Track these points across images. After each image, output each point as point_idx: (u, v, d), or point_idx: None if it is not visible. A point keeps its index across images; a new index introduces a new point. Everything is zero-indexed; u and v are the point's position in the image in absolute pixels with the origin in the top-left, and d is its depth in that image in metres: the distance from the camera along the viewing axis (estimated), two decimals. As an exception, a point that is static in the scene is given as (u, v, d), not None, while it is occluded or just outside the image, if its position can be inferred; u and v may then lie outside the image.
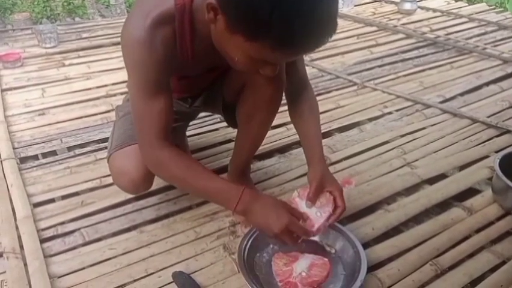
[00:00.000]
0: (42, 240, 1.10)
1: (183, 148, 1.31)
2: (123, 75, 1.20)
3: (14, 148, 1.51)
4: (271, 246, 1.05)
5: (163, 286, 0.98)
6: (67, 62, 2.27)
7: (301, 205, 0.99)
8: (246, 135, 1.17)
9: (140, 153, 0.96)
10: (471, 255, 1.06)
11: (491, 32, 2.75)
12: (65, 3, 3.55)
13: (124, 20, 0.88)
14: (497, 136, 1.59)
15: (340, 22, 3.00)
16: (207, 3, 0.73)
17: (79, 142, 1.57)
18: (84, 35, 2.68)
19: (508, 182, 1.16)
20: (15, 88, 1.99)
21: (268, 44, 0.70)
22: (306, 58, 2.34)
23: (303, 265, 0.95)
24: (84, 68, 2.20)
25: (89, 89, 1.99)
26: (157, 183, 1.30)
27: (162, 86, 0.87)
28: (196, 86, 1.15)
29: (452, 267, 1.03)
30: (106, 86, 2.00)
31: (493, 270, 1.02)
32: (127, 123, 1.09)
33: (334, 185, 1.01)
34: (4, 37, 2.65)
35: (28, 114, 1.77)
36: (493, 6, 3.32)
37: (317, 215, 0.97)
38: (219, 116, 1.34)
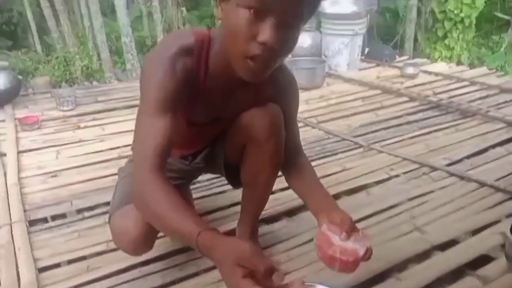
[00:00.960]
0: (46, 308, 1.09)
1: (186, 200, 1.31)
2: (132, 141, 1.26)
3: (24, 210, 1.54)
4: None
5: None
6: (82, 125, 2.37)
7: (335, 238, 0.94)
8: (252, 193, 1.19)
9: (137, 212, 0.95)
10: (488, 329, 1.02)
11: (493, 95, 2.82)
12: (84, 67, 3.76)
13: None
14: (506, 200, 1.58)
15: (345, 86, 3.13)
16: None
17: (89, 204, 1.59)
18: (100, 98, 2.81)
19: (521, 249, 1.13)
20: (30, 150, 2.06)
21: None
22: (313, 120, 2.40)
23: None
24: (98, 130, 2.28)
25: (102, 151, 2.05)
26: (165, 247, 1.30)
27: (172, 108, 0.88)
28: (200, 138, 1.17)
29: None
30: (118, 148, 2.06)
31: None
32: (127, 183, 1.10)
33: (362, 230, 0.98)
34: (25, 100, 2.78)
35: (41, 176, 1.81)
36: (494, 70, 3.42)
37: (355, 246, 0.92)
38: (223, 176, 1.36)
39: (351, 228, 0.95)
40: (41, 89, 3.08)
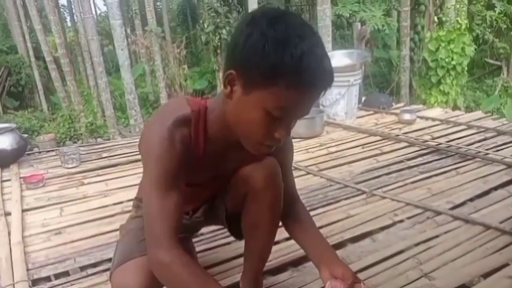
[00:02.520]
0: None
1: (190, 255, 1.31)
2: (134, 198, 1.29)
3: (27, 269, 1.53)
4: None
5: None
6: (86, 181, 2.40)
7: None
8: (254, 244, 1.19)
9: (140, 267, 0.98)
10: None
11: (491, 137, 2.86)
12: (88, 124, 3.86)
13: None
14: (513, 243, 1.56)
15: (344, 133, 3.18)
16: (225, 77, 0.85)
17: (92, 261, 1.58)
18: (104, 155, 2.86)
19: (532, 293, 1.11)
20: (35, 208, 2.07)
21: (284, 84, 0.80)
22: (314, 168, 2.43)
23: None
24: (102, 186, 2.31)
25: (106, 206, 2.06)
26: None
27: (176, 183, 0.92)
28: (200, 196, 1.20)
29: None
30: (121, 202, 2.07)
31: None
32: (129, 239, 1.11)
33: (364, 282, 0.99)
34: (30, 159, 2.83)
35: (45, 234, 1.82)
36: (489, 114, 3.50)
37: None
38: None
39: (353, 283, 0.96)
40: (46, 146, 3.15)
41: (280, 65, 0.79)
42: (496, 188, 2.06)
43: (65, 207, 2.06)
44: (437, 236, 1.64)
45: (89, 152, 2.93)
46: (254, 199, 1.11)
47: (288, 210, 1.14)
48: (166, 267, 0.89)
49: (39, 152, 3.01)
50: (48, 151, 3.02)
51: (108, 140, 3.45)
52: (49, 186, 2.34)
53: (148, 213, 0.93)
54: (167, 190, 0.91)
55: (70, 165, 2.61)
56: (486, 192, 2.02)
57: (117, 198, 2.12)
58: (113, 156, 2.83)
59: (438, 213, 1.82)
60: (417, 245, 1.59)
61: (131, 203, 2.01)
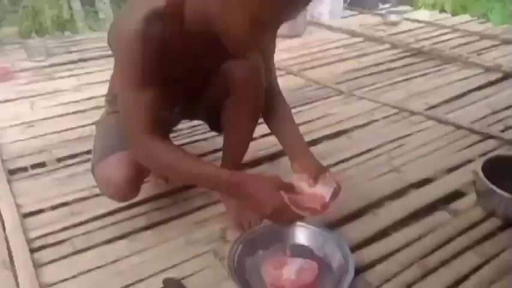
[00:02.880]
0: (33, 250, 1.10)
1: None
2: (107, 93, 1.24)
3: (2, 160, 1.51)
4: (260, 251, 1.07)
5: (154, 292, 0.98)
6: (56, 75, 2.29)
7: (304, 186, 0.99)
8: (233, 138, 1.20)
9: (123, 160, 1.00)
10: (456, 256, 1.08)
11: (474, 41, 2.83)
12: (54, 18, 3.57)
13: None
14: (480, 141, 1.63)
15: (327, 33, 3.08)
16: None
17: (68, 153, 1.57)
18: (73, 49, 2.70)
19: (491, 185, 1.19)
20: (4, 101, 1.99)
21: None
22: (294, 68, 2.38)
23: (292, 269, 0.96)
24: (73, 81, 2.21)
25: (78, 101, 2.00)
26: (148, 191, 1.32)
27: (152, 78, 0.89)
28: (179, 91, 1.16)
29: (437, 268, 1.05)
30: (95, 97, 2.00)
31: (476, 270, 1.04)
32: (108, 135, 1.11)
33: (329, 171, 1.02)
34: (-7, 51, 2.65)
35: (17, 126, 1.77)
36: (476, 17, 3.41)
37: (321, 191, 0.97)
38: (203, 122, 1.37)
39: (317, 173, 0.99)
40: (10, 40, 2.93)
41: None
42: (472, 91, 2.10)
43: (36, 101, 1.99)
44: (410, 135, 1.70)
45: (57, 46, 2.75)
46: (235, 94, 1.09)
47: (269, 103, 1.13)
48: (148, 151, 0.91)
49: (3, 45, 2.81)
50: (12, 43, 2.82)
51: (77, 33, 3.22)
52: (17, 80, 2.23)
53: (125, 109, 0.91)
54: (143, 86, 0.88)
55: (38, 59, 2.46)
56: (462, 95, 2.06)
57: (90, 93, 2.05)
58: (83, 50, 2.67)
59: (414, 113, 1.86)
60: (390, 142, 1.64)
61: (104, 98, 1.99)
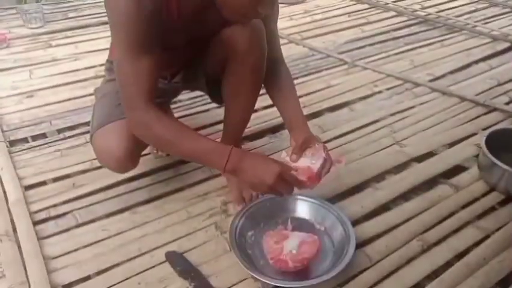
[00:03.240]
0: (35, 223, 1.11)
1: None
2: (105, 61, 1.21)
3: (2, 131, 1.50)
4: (262, 225, 1.07)
5: (156, 265, 0.99)
6: (53, 43, 2.23)
7: (288, 160, 1.01)
8: (234, 108, 1.18)
9: (121, 130, 0.98)
10: (456, 231, 1.09)
11: (482, 9, 2.75)
12: (50, -19, 3.45)
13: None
14: (485, 114, 1.61)
15: (331, 0, 2.97)
16: None
17: (69, 124, 1.56)
18: (71, 15, 2.62)
19: (494, 159, 1.18)
20: (1, 70, 1.95)
21: None
22: (297, 37, 2.32)
23: (293, 243, 0.97)
24: (72, 49, 2.17)
25: (78, 70, 1.96)
26: (149, 164, 1.32)
27: (149, 45, 0.86)
28: (177, 60, 1.14)
29: (438, 243, 1.06)
30: (94, 67, 1.97)
31: (477, 244, 1.05)
32: (106, 103, 1.09)
33: (320, 143, 1.03)
34: (-12, 17, 2.58)
35: (16, 96, 1.74)
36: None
37: (312, 163, 0.98)
38: (205, 93, 1.35)
39: (302, 147, 1.00)
40: (4, 4, 2.84)
41: None
42: (477, 62, 2.05)
43: (34, 70, 1.95)
44: (413, 107, 1.67)
45: (54, 11, 2.67)
46: (236, 63, 1.06)
47: (271, 72, 1.10)
48: (145, 126, 0.89)
49: (-2, 10, 2.73)
50: (7, 9, 2.73)
51: (74, -2, 3.14)
52: (14, 48, 2.18)
53: (121, 78, 0.89)
54: (139, 53, 0.85)
55: (34, 25, 2.39)
56: (467, 65, 2.01)
57: (89, 62, 2.01)
58: (81, 16, 2.60)
59: (418, 84, 1.83)
60: (393, 115, 1.62)
61: (104, 67, 1.95)
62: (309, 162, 0.99)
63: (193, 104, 1.68)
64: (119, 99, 1.04)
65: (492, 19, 2.58)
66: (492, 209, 1.17)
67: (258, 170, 0.88)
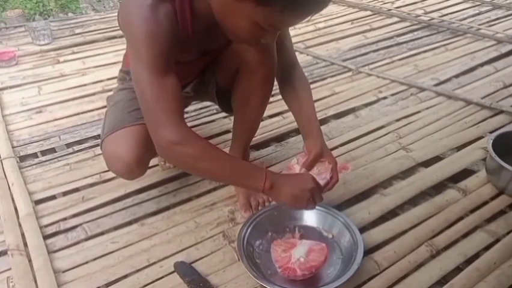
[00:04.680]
0: (46, 237, 1.12)
1: None
2: (118, 70, 1.23)
3: (13, 147, 1.53)
4: (269, 233, 1.08)
5: (164, 276, 1.00)
6: (61, 59, 2.27)
7: (296, 170, 1.03)
8: (244, 119, 1.19)
9: (132, 135, 0.99)
10: (465, 235, 1.08)
11: (486, 12, 2.74)
12: (57, -1, 3.53)
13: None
14: (491, 117, 1.60)
15: (334, 7, 3.01)
16: None
17: (77, 138, 1.58)
18: (77, 31, 2.67)
19: (501, 162, 1.17)
20: (11, 87, 1.99)
21: (279, 7, 0.74)
22: (301, 45, 2.34)
23: (301, 251, 0.97)
24: (79, 64, 2.20)
25: (85, 85, 1.99)
26: (157, 175, 1.33)
27: (170, 63, 0.86)
28: (189, 73, 1.16)
29: (447, 248, 1.05)
30: (101, 81, 2.00)
31: (487, 248, 1.04)
32: (118, 110, 1.10)
33: (331, 157, 1.05)
34: (-2, 36, 2.64)
35: (25, 112, 1.78)
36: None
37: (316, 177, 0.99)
38: (213, 104, 1.36)
39: (314, 161, 1.02)
40: (13, 22, 2.91)
41: None
42: (482, 65, 2.05)
43: (43, 86, 1.98)
44: (418, 112, 1.67)
45: (61, 27, 2.72)
46: (246, 74, 1.07)
47: (286, 76, 1.12)
48: (179, 146, 0.84)
49: (7, 28, 2.79)
50: (16, 27, 2.79)
51: (81, 14, 3.19)
52: (23, 65, 2.22)
53: (147, 99, 0.85)
54: (163, 72, 0.84)
55: (42, 42, 2.44)
56: (472, 69, 2.01)
57: (96, 77, 2.04)
58: (87, 32, 2.64)
59: (423, 89, 1.82)
60: (398, 120, 1.62)
61: (111, 81, 1.98)
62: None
63: (199, 115, 1.69)
64: (132, 106, 1.06)
65: (496, 21, 2.57)
66: (501, 212, 1.16)
67: (295, 181, 0.93)
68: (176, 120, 0.84)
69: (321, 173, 1.01)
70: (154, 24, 0.82)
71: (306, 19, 0.79)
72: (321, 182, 0.99)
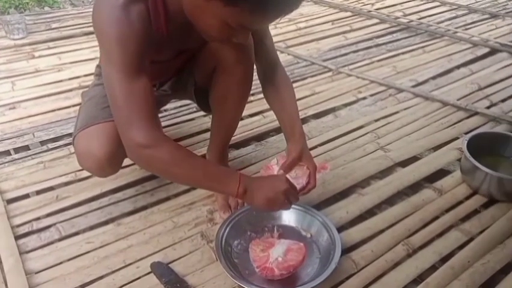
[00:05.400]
0: (17, 237, 1.09)
1: None
2: (95, 65, 1.21)
3: (-16, 144, 1.48)
4: (248, 233, 1.07)
5: (141, 276, 0.98)
6: (36, 54, 2.21)
7: (274, 172, 1.04)
8: (221, 118, 1.18)
9: (104, 132, 0.97)
10: (441, 234, 1.10)
11: (462, 15, 2.81)
12: (34, -8, 3.42)
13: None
14: (466, 118, 1.64)
15: (315, 8, 3.02)
16: None
17: (52, 136, 1.54)
18: (54, 25, 2.60)
19: (475, 162, 1.20)
20: (-17, 82, 1.93)
21: (248, 8, 0.72)
22: (282, 45, 2.34)
23: (279, 250, 0.97)
24: (55, 60, 2.14)
25: (61, 81, 1.94)
26: (134, 174, 1.30)
27: (143, 65, 0.84)
28: (166, 71, 1.14)
29: (423, 246, 1.07)
30: (78, 77, 1.95)
31: (461, 247, 1.06)
32: (92, 105, 1.07)
33: (311, 162, 1.05)
34: (-31, 29, 2.54)
35: (-2, 108, 1.72)
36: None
37: (293, 181, 1.00)
38: (192, 102, 1.34)
39: (292, 164, 1.03)
40: (-14, 15, 2.81)
41: None
42: (458, 67, 2.09)
43: (17, 81, 1.92)
44: (396, 112, 1.70)
45: (37, 22, 2.64)
46: (223, 73, 1.06)
47: (268, 76, 1.11)
48: (149, 149, 0.82)
49: (-21, 21, 2.70)
50: (-11, 20, 2.70)
51: (58, 9, 3.11)
52: (-4, 59, 2.15)
53: (117, 100, 0.83)
54: (135, 74, 0.82)
55: (16, 36, 2.36)
56: (449, 71, 2.05)
57: (72, 73, 1.99)
58: (64, 27, 2.57)
59: (401, 90, 1.85)
60: (377, 120, 1.64)
61: (88, 77, 1.94)
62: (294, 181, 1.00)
63: (178, 113, 1.67)
64: (106, 103, 1.02)
65: (472, 25, 2.64)
66: (475, 212, 1.19)
67: (268, 184, 0.93)
68: (146, 122, 0.82)
69: (298, 177, 1.01)
70: (125, 25, 0.81)
71: (276, 20, 0.78)
72: (297, 187, 0.99)
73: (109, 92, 0.85)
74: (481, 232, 1.11)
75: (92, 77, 2.00)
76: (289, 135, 1.08)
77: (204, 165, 0.91)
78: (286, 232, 1.07)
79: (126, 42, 0.81)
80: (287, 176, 1.00)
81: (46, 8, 3.17)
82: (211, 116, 1.23)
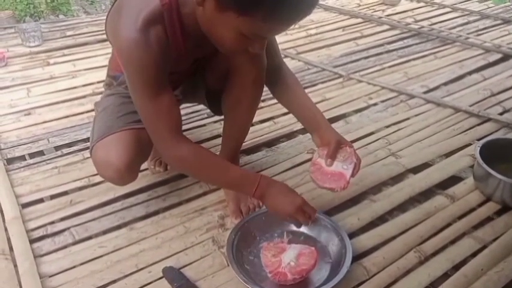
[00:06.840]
0: (32, 241, 1.11)
1: None
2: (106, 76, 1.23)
3: (0, 149, 1.51)
4: (258, 238, 1.07)
5: (153, 281, 0.99)
6: (51, 61, 2.26)
7: (323, 164, 1.04)
8: (234, 121, 1.20)
9: (121, 141, 1.01)
10: (453, 241, 1.09)
11: (474, 21, 2.79)
12: (49, 0, 3.50)
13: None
14: (479, 124, 1.63)
15: (325, 14, 3.03)
16: None
17: (66, 141, 1.56)
18: (68, 33, 2.65)
19: (488, 169, 1.19)
20: (0, 88, 1.97)
21: (260, 16, 0.74)
22: (292, 51, 2.36)
23: (291, 255, 0.97)
24: (69, 67, 2.19)
25: (75, 87, 1.98)
26: (146, 179, 1.32)
27: (163, 83, 0.90)
28: (181, 79, 1.16)
29: (435, 254, 1.06)
30: (92, 84, 1.99)
31: (474, 255, 1.05)
32: (107, 115, 1.09)
33: (347, 141, 1.07)
34: (-13, 37, 2.61)
35: (14, 114, 1.75)
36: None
37: (344, 168, 1.03)
38: (203, 108, 1.36)
39: (336, 149, 1.03)
40: (3, 23, 2.88)
41: None
42: (470, 73, 2.08)
43: (32, 88, 1.96)
44: (408, 119, 1.69)
45: (52, 29, 2.70)
46: (236, 76, 1.08)
47: (275, 76, 1.13)
48: (181, 161, 0.95)
49: (-3, 29, 2.76)
50: (6, 28, 2.76)
51: (72, 17, 3.17)
52: (12, 66, 2.19)
53: (145, 120, 0.92)
54: (155, 94, 0.88)
55: (32, 44, 2.41)
56: (461, 77, 2.04)
57: (86, 80, 2.03)
58: (78, 34, 2.62)
59: (412, 96, 1.84)
60: (388, 126, 1.64)
61: (101, 84, 1.95)
62: (341, 167, 1.03)
63: (189, 119, 1.69)
64: (121, 111, 1.06)
65: (484, 31, 2.62)
66: (488, 219, 1.18)
67: (282, 198, 0.98)
68: (173, 136, 0.92)
69: (347, 158, 1.03)
70: (144, 51, 0.84)
71: (291, 27, 0.80)
72: (350, 167, 1.01)
73: (138, 112, 0.94)
74: (495, 240, 1.09)
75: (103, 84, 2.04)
76: (314, 126, 1.09)
77: (227, 169, 0.98)
78: (297, 237, 1.07)
79: (145, 69, 0.86)
80: (336, 162, 1.02)
81: (61, 16, 3.24)
82: (222, 122, 1.24)
